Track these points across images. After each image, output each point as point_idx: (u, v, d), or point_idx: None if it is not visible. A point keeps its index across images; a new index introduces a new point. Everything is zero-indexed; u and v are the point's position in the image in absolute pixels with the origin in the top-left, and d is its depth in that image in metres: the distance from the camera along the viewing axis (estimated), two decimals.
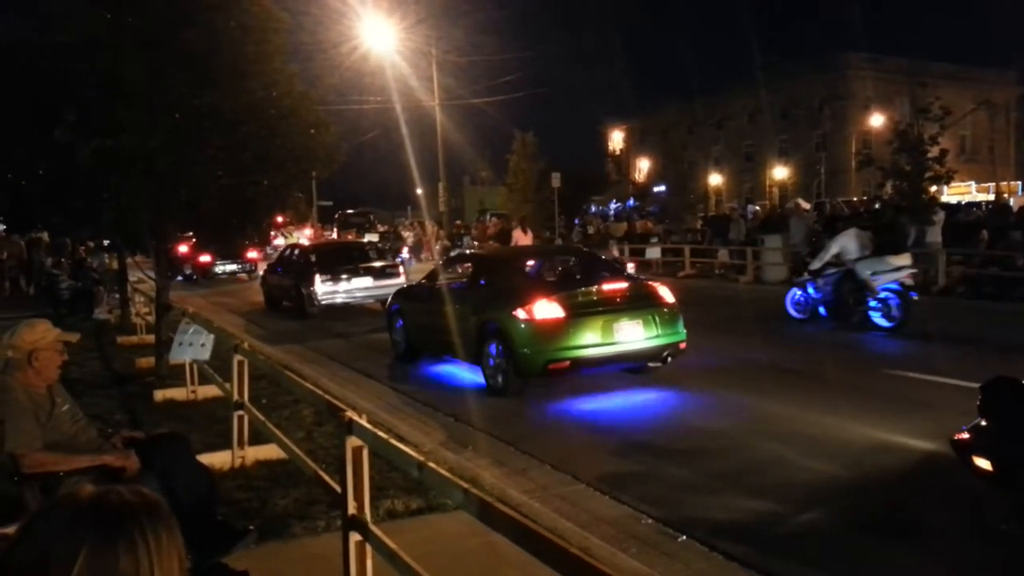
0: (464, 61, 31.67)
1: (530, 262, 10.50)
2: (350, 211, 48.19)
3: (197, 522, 3.72)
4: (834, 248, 12.15)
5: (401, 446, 3.21)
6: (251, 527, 4.24)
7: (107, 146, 7.34)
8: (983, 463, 4.26)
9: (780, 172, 60.83)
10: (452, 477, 2.74)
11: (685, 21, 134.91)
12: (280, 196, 8.75)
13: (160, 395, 8.02)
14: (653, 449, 6.37)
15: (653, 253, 24.55)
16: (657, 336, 8.29)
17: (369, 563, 3.28)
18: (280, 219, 9.14)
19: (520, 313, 8.12)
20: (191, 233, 9.72)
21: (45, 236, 24.38)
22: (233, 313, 17.31)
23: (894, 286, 11.28)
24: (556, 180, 29.49)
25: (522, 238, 21.99)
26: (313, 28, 24.29)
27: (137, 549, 1.16)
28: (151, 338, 10.19)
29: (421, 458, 2.93)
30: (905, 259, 11.95)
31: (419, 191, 42.71)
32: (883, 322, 11.33)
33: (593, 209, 47.09)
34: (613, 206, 49.09)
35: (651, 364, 8.69)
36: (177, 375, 8.23)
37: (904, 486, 5.42)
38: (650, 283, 9.43)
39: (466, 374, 9.32)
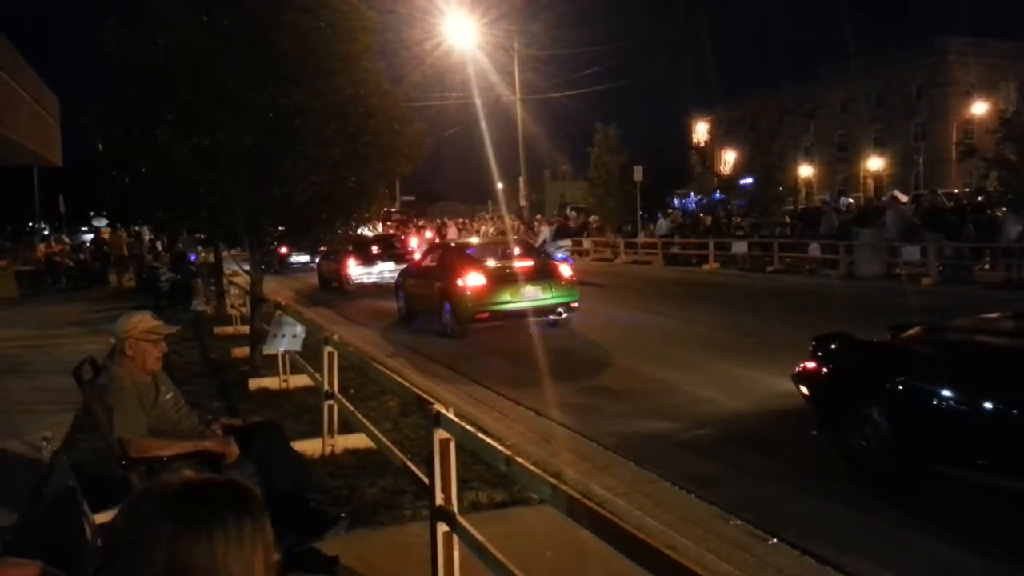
0: (545, 55, 31.69)
1: (475, 249, 14.36)
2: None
3: (291, 507, 3.85)
4: (542, 236, 24.15)
5: (488, 440, 3.22)
6: (342, 514, 4.35)
7: (204, 145, 7.63)
8: (805, 390, 5.94)
9: (875, 163, 58.42)
10: (540, 472, 2.73)
11: (772, 7, 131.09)
12: (367, 192, 8.92)
13: (254, 384, 8.31)
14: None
15: (740, 247, 23.94)
16: (553, 297, 12.08)
17: (456, 554, 3.31)
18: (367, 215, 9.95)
19: (459, 282, 11.95)
20: (282, 228, 10.03)
21: (146, 231, 25.67)
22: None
23: (562, 256, 19.23)
24: (638, 173, 29.01)
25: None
26: (397, 26, 24.77)
27: (214, 540, 1.15)
28: (246, 329, 10.58)
29: (508, 452, 2.94)
30: (566, 243, 24.23)
31: (499, 185, 42.93)
32: None
33: (677, 203, 46.17)
34: (693, 198, 47.96)
35: (551, 317, 12.24)
36: (270, 364, 8.51)
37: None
38: (552, 262, 13.71)
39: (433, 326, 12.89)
